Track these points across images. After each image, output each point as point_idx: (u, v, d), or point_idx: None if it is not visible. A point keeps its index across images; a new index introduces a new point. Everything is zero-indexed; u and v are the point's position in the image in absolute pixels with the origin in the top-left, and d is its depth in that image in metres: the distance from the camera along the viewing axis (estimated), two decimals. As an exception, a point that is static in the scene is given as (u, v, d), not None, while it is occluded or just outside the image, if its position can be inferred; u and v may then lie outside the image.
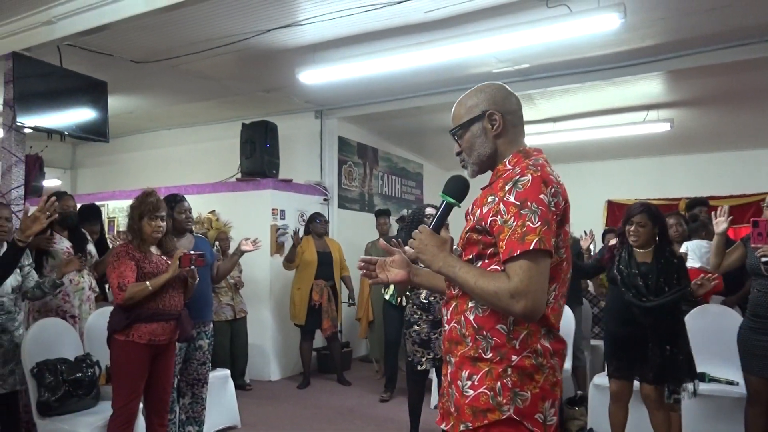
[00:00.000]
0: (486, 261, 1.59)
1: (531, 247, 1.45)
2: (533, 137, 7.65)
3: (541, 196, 1.49)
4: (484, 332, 1.57)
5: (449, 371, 1.68)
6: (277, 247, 6.37)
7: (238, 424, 4.55)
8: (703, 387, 3.78)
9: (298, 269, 5.94)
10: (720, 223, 3.51)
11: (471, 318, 1.60)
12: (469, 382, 1.58)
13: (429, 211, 4.11)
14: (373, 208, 8.01)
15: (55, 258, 4.00)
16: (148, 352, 3.14)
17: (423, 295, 3.99)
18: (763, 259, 3.26)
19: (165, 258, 3.25)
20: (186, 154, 8.23)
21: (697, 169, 8.25)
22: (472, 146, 1.70)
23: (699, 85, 6.06)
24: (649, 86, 6.06)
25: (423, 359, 3.96)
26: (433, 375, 4.65)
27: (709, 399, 3.73)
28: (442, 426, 1.69)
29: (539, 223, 1.47)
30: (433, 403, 4.82)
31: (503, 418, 1.53)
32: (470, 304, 1.61)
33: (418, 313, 4.00)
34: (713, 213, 3.65)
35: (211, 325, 3.96)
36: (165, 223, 3.25)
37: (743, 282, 5.66)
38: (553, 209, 1.51)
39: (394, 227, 6.82)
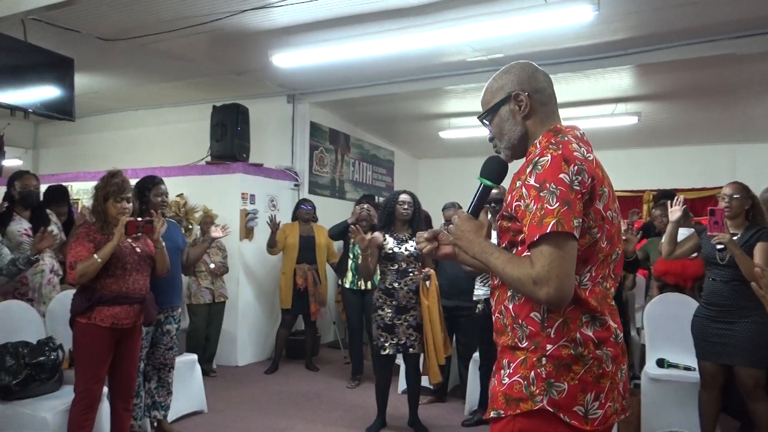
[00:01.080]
0: (519, 248, 1.55)
1: (548, 230, 1.39)
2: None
3: (561, 175, 1.43)
4: (520, 321, 1.54)
5: (496, 363, 1.64)
6: (247, 232, 6.31)
7: (204, 409, 4.53)
8: (661, 372, 3.92)
9: (284, 254, 5.96)
10: (674, 212, 3.63)
11: (510, 307, 1.57)
12: (508, 371, 1.55)
13: (402, 197, 4.12)
14: (344, 194, 8.00)
15: (11, 240, 3.90)
16: (112, 336, 3.10)
17: (388, 281, 4.01)
18: (719, 247, 3.35)
19: (130, 241, 3.20)
20: (154, 136, 8.07)
21: (661, 162, 8.44)
22: (501, 130, 1.65)
23: (666, 79, 6.19)
24: (619, 79, 6.16)
25: (386, 344, 3.98)
26: (400, 361, 4.69)
27: (667, 384, 3.85)
28: None
29: (557, 204, 1.41)
30: (401, 388, 4.86)
31: (536, 408, 1.48)
32: (508, 293, 1.58)
33: (383, 297, 4.02)
34: (669, 203, 3.76)
35: (180, 310, 3.93)
36: (131, 205, 3.19)
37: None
38: (577, 188, 1.43)
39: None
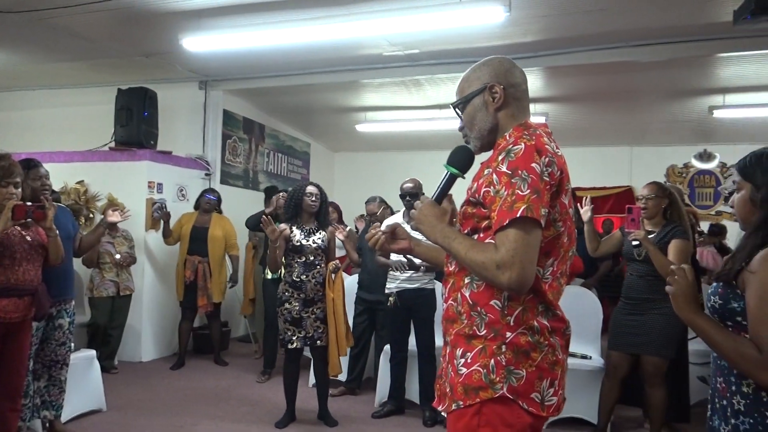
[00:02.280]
0: (481, 234, 1.55)
1: (518, 215, 1.40)
2: (421, 122, 7.83)
3: (533, 164, 1.45)
4: (479, 308, 1.54)
5: (447, 352, 1.63)
6: (153, 222, 6.04)
7: (103, 407, 4.29)
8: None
9: (180, 244, 5.78)
10: (585, 212, 3.84)
11: (467, 294, 1.56)
12: (463, 360, 1.54)
13: (309, 189, 4.07)
14: (257, 185, 7.83)
15: None
16: (-2, 331, 2.87)
17: (295, 273, 3.96)
18: (634, 243, 3.55)
19: (19, 228, 2.97)
20: (52, 119, 7.56)
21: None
22: (473, 120, 1.66)
23: (572, 82, 6.50)
24: (529, 80, 6.36)
25: (294, 337, 3.94)
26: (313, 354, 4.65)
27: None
28: (439, 408, 1.65)
29: (528, 191, 1.42)
30: (310, 382, 4.82)
31: (496, 396, 1.49)
32: (466, 281, 1.57)
33: (290, 290, 3.97)
34: (578, 204, 3.96)
35: (73, 303, 3.70)
36: (19, 190, 2.95)
37: (599, 266, 6.24)
38: (547, 179, 1.46)
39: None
